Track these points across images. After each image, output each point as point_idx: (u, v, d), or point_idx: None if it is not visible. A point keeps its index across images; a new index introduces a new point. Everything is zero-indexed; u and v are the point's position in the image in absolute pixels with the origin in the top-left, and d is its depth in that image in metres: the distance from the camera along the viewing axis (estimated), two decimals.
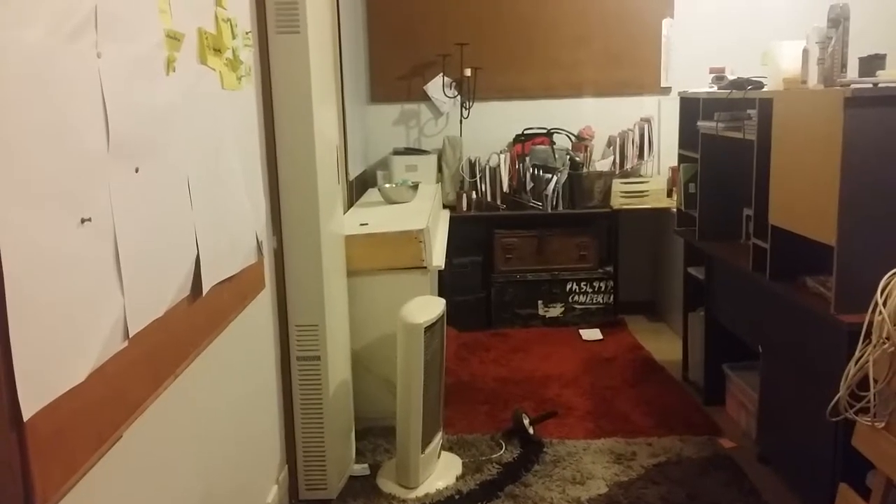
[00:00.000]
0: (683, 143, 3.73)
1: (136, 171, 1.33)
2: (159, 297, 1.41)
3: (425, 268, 3.17)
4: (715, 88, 3.34)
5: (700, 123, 3.41)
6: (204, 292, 1.63)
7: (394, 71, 4.87)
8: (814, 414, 2.54)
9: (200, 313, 1.65)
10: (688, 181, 3.65)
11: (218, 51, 1.79)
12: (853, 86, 2.23)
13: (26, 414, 1.01)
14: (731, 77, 3.22)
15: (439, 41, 4.79)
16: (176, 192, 1.51)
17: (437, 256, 3.31)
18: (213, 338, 1.79)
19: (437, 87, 4.84)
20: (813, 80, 2.54)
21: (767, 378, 2.91)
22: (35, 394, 1.03)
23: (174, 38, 1.49)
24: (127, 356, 1.28)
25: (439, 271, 4.58)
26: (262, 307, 2.34)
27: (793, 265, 2.70)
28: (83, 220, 1.15)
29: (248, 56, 2.10)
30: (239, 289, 1.95)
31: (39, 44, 1.05)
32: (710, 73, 3.49)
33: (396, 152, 4.75)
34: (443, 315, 2.90)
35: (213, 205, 1.71)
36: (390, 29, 4.84)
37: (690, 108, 3.62)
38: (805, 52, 2.64)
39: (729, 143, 3.22)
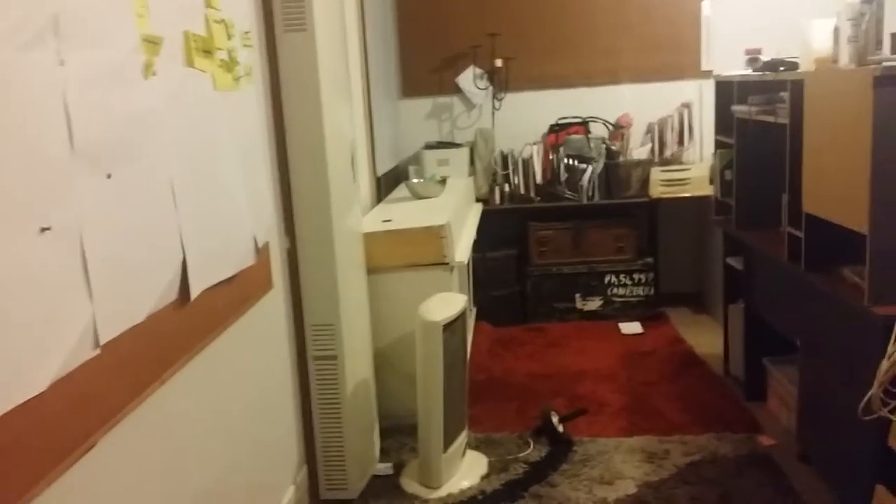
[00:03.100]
0: (719, 128, 3.59)
1: (109, 176, 1.32)
2: (138, 303, 1.40)
3: (448, 264, 3.12)
4: (750, 71, 3.20)
5: (735, 107, 3.27)
6: (192, 297, 1.61)
7: (425, 64, 4.83)
8: (851, 411, 2.41)
9: (191, 317, 1.64)
10: (724, 168, 3.51)
11: (208, 52, 1.77)
12: (884, 64, 2.09)
13: None
14: (765, 58, 3.08)
15: (470, 32, 4.72)
16: (158, 196, 1.49)
17: (461, 252, 3.26)
18: (210, 341, 1.78)
19: (468, 78, 4.78)
20: (844, 60, 2.39)
21: (806, 373, 2.78)
22: None
23: (152, 42, 1.48)
24: (99, 364, 1.28)
25: (473, 265, 4.55)
26: (272, 308, 2.33)
27: (830, 255, 2.56)
28: (42, 230, 1.14)
29: (248, 56, 2.08)
30: (238, 291, 1.93)
31: None
32: (746, 54, 3.34)
33: (428, 146, 4.71)
34: (463, 312, 2.85)
35: (203, 208, 1.69)
36: (419, 22, 4.79)
37: (726, 91, 3.47)
38: (836, 29, 2.49)
39: (764, 127, 3.07)
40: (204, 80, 1.76)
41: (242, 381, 2.08)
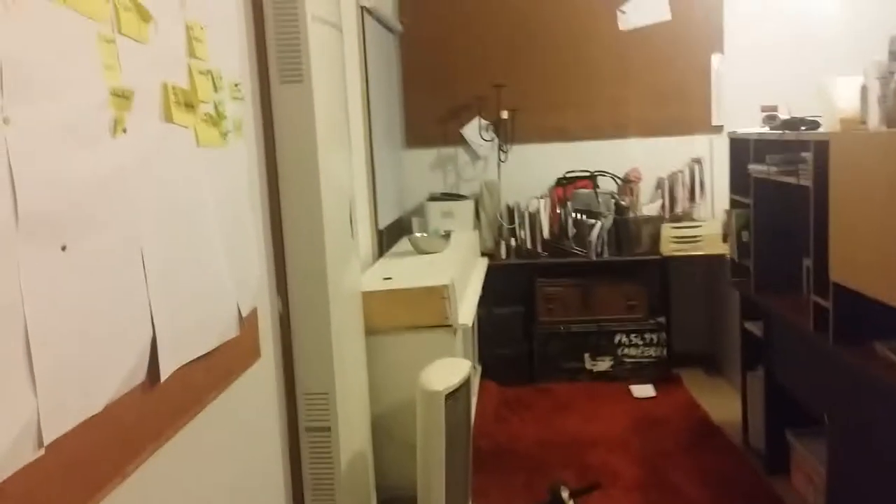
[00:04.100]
0: (735, 186, 3.44)
1: (63, 248, 1.16)
2: (95, 391, 1.23)
3: (451, 326, 2.95)
4: (766, 129, 3.06)
5: (752, 166, 3.13)
6: (163, 378, 1.44)
7: (430, 114, 4.72)
8: (887, 497, 2.20)
9: (162, 400, 1.47)
10: (740, 228, 3.34)
11: (191, 106, 1.63)
12: None
13: None
14: (783, 116, 2.94)
15: (475, 83, 4.62)
16: (124, 268, 1.33)
17: (465, 314, 3.09)
18: (185, 422, 1.61)
19: (473, 130, 4.66)
20: (874, 121, 2.25)
21: (835, 453, 2.57)
22: None
23: (122, 96, 1.33)
24: (42, 467, 1.10)
25: (479, 321, 4.37)
26: (259, 378, 2.15)
27: (860, 327, 2.39)
28: None
29: (238, 109, 1.94)
30: (219, 365, 1.76)
31: None
32: (762, 111, 3.21)
33: (432, 198, 4.58)
34: (468, 379, 2.66)
35: (178, 277, 1.53)
36: (425, 72, 4.70)
37: (741, 149, 3.33)
38: (864, 88, 2.35)
39: (784, 187, 2.91)
40: (185, 137, 1.61)
41: (224, 460, 1.90)
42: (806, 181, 2.63)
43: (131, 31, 1.40)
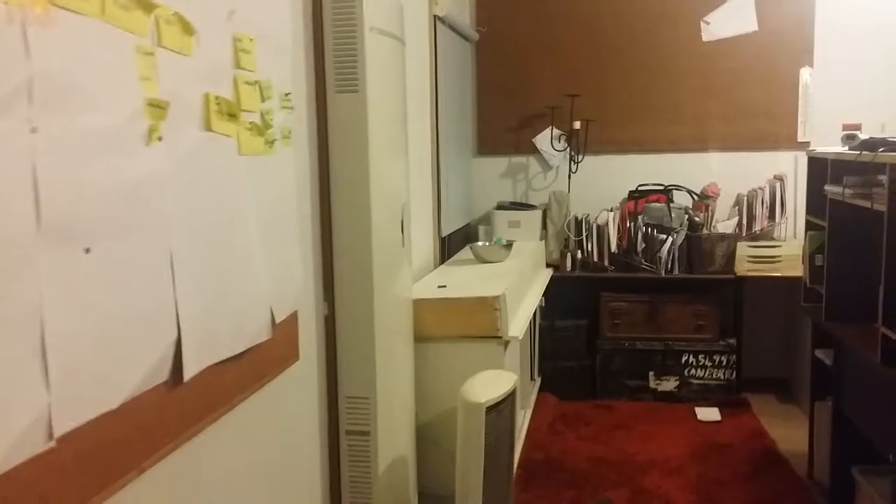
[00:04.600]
0: (811, 208, 3.28)
1: (87, 251, 1.22)
2: (111, 388, 1.29)
3: (501, 338, 2.93)
4: (846, 148, 2.91)
5: (828, 188, 2.98)
6: (186, 377, 1.50)
7: (502, 123, 4.71)
8: None
9: (186, 398, 1.52)
10: (814, 252, 3.19)
11: (233, 115, 1.69)
12: None
13: None
14: (864, 136, 2.79)
15: (550, 92, 4.58)
16: (151, 271, 1.39)
17: (517, 326, 3.06)
18: (212, 421, 1.66)
19: (545, 139, 4.62)
20: None
21: None
22: None
23: (158, 106, 1.39)
24: (54, 457, 1.16)
25: (540, 333, 4.33)
26: (298, 380, 2.20)
27: None
28: None
29: (287, 118, 2.00)
30: (251, 366, 1.81)
31: None
32: (843, 129, 3.05)
33: (500, 207, 4.56)
34: (512, 393, 2.64)
35: (209, 282, 1.59)
36: (499, 81, 4.69)
37: (819, 168, 3.18)
38: None
39: (860, 211, 2.76)
40: (226, 145, 1.67)
41: (257, 458, 1.95)
42: (881, 206, 2.48)
43: (173, 43, 1.46)
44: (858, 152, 2.67)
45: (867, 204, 2.59)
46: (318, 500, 2.42)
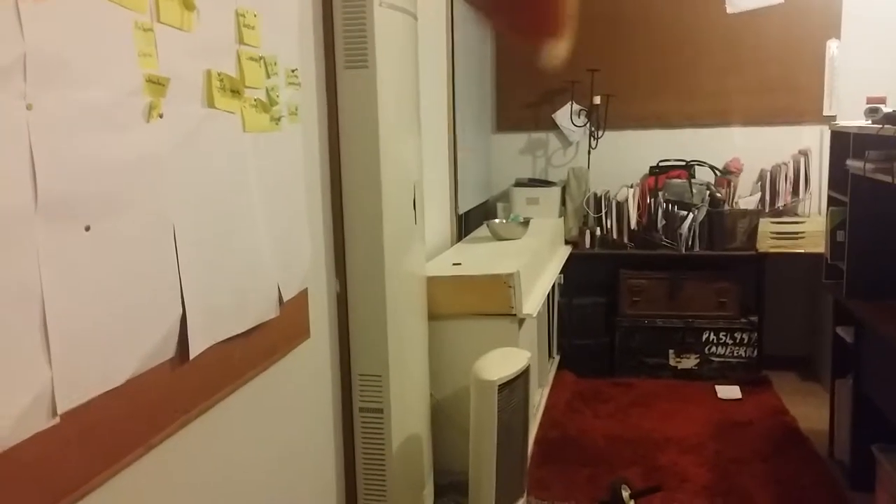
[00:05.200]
0: (833, 183, 3.22)
1: (87, 229, 1.23)
2: (115, 365, 1.30)
3: (515, 315, 2.92)
4: (869, 122, 2.83)
5: (849, 162, 2.91)
6: (192, 354, 1.51)
7: (521, 99, 4.66)
8: None
9: (193, 375, 1.54)
10: (835, 228, 3.13)
11: (237, 92, 1.68)
12: None
13: None
14: (886, 109, 2.71)
15: (569, 67, 4.48)
16: (153, 248, 1.40)
17: (532, 303, 3.05)
18: (221, 398, 1.67)
19: (565, 115, 4.57)
20: None
21: None
22: None
23: (157, 82, 1.39)
24: (57, 434, 1.18)
25: (559, 310, 4.31)
26: (308, 357, 2.21)
27: None
28: None
29: (294, 94, 1.99)
30: (260, 344, 1.82)
31: None
32: (867, 103, 2.97)
33: (519, 184, 4.52)
34: (526, 370, 2.63)
35: (214, 258, 1.59)
36: (518, 56, 4.62)
37: (841, 142, 3.11)
38: None
39: (883, 186, 2.70)
40: (229, 121, 1.67)
41: (267, 435, 1.97)
42: None
43: (172, 19, 1.46)
44: (881, 126, 2.60)
45: (888, 179, 2.52)
46: (331, 477, 2.44)
